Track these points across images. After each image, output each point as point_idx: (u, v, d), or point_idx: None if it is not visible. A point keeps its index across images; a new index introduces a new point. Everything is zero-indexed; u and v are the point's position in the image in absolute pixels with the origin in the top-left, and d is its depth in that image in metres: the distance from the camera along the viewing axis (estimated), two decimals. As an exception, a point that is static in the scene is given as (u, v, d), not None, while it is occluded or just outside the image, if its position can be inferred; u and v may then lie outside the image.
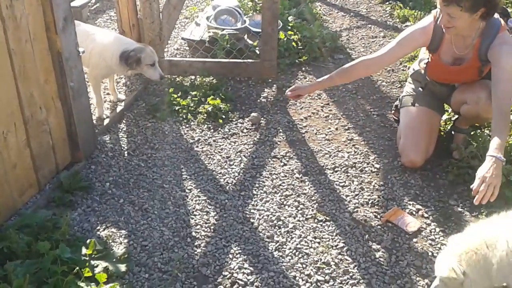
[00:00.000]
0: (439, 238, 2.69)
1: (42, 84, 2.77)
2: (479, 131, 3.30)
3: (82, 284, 2.17)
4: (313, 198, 2.98)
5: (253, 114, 3.77)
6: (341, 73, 3.26)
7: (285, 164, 3.28)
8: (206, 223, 2.78)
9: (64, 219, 2.57)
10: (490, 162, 2.53)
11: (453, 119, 3.53)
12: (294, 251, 2.60)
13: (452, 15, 2.73)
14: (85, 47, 3.27)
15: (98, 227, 2.71)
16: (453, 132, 3.35)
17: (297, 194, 3.01)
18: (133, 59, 3.40)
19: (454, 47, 2.98)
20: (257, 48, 4.46)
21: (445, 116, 3.54)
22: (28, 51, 2.63)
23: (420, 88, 3.28)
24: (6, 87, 2.52)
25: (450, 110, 3.51)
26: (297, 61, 4.59)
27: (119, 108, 3.78)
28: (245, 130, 3.65)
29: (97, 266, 2.33)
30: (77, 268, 2.22)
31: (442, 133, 3.46)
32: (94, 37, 3.51)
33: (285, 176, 3.17)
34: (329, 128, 3.68)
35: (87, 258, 2.35)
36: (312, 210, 2.88)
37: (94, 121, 3.42)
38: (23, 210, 2.72)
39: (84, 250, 2.38)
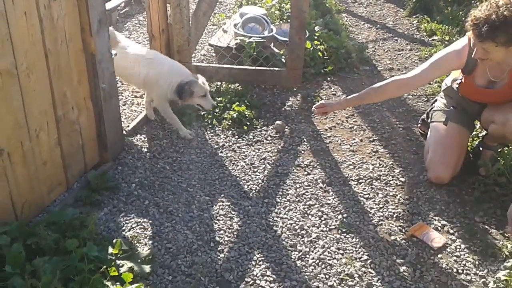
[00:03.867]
0: (464, 255, 2.66)
1: (75, 85, 2.82)
2: (506, 148, 3.26)
3: (108, 283, 2.19)
4: (337, 209, 2.97)
5: (277, 122, 3.78)
6: (371, 92, 3.22)
7: (308, 174, 3.28)
8: (229, 228, 2.79)
9: (91, 218, 2.60)
10: None
11: (480, 135, 3.49)
12: (317, 261, 2.59)
13: (487, 50, 2.71)
14: (138, 71, 3.44)
15: (124, 227, 2.74)
16: (481, 148, 3.32)
17: (320, 204, 3.01)
18: (187, 93, 3.45)
19: (488, 73, 2.95)
20: (283, 56, 4.48)
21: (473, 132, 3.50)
22: (63, 51, 2.69)
23: (452, 107, 3.26)
24: (41, 86, 2.57)
25: (478, 126, 3.47)
26: (322, 71, 4.60)
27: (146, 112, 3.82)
28: (269, 138, 3.66)
29: (122, 266, 2.35)
30: (104, 267, 2.24)
31: (469, 148, 3.42)
32: (149, 63, 3.55)
33: (309, 185, 3.17)
34: (354, 139, 3.67)
35: (113, 258, 2.38)
36: (336, 221, 2.87)
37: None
38: (51, 207, 2.77)
39: (110, 250, 2.41)
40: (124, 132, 3.43)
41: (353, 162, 3.40)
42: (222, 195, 3.05)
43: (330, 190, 3.13)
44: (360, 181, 3.22)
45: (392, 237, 2.76)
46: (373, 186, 3.17)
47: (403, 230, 2.81)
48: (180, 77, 3.49)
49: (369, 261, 2.60)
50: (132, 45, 3.71)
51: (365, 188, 3.15)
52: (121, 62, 3.43)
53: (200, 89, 3.48)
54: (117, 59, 3.34)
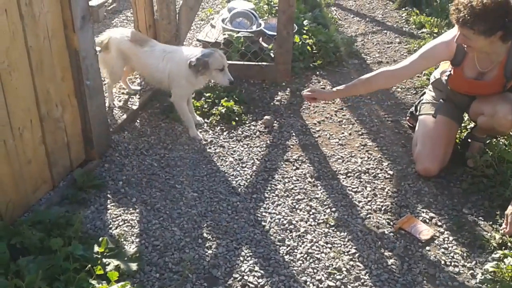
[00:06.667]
0: (452, 247, 2.66)
1: (59, 82, 2.79)
2: (494, 140, 3.26)
3: (93, 282, 2.17)
4: (325, 203, 2.96)
5: (266, 117, 3.76)
6: (360, 83, 3.21)
7: (297, 168, 3.27)
8: (217, 224, 2.77)
9: (77, 216, 2.58)
10: None
11: (469, 127, 3.49)
12: (305, 255, 2.58)
13: (466, 36, 2.71)
14: (162, 68, 3.41)
15: (110, 226, 2.72)
16: (469, 140, 3.31)
17: (309, 198, 3.00)
18: (200, 62, 3.30)
19: (477, 63, 2.94)
20: (272, 51, 4.46)
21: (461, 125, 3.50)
22: (46, 48, 2.65)
23: (441, 100, 3.26)
24: (24, 84, 2.54)
25: (466, 118, 3.47)
26: (311, 65, 4.58)
27: (133, 108, 3.79)
28: (258, 133, 3.64)
29: (108, 264, 2.33)
30: (89, 265, 2.22)
31: (457, 140, 3.42)
32: (171, 56, 3.48)
33: (297, 180, 3.16)
34: (343, 133, 3.66)
35: (99, 256, 2.35)
36: (324, 215, 2.87)
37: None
38: (36, 206, 2.74)
39: (96, 248, 2.39)
40: (110, 129, 3.40)
41: (341, 156, 3.40)
42: (210, 191, 3.03)
43: (318, 185, 3.12)
44: (349, 174, 3.21)
45: (380, 230, 2.76)
46: (362, 180, 3.17)
47: (391, 223, 2.81)
48: (197, 53, 3.38)
49: (357, 255, 2.59)
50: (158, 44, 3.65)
51: (353, 182, 3.15)
52: (148, 60, 3.50)
53: (216, 62, 3.34)
54: (145, 56, 3.43)
